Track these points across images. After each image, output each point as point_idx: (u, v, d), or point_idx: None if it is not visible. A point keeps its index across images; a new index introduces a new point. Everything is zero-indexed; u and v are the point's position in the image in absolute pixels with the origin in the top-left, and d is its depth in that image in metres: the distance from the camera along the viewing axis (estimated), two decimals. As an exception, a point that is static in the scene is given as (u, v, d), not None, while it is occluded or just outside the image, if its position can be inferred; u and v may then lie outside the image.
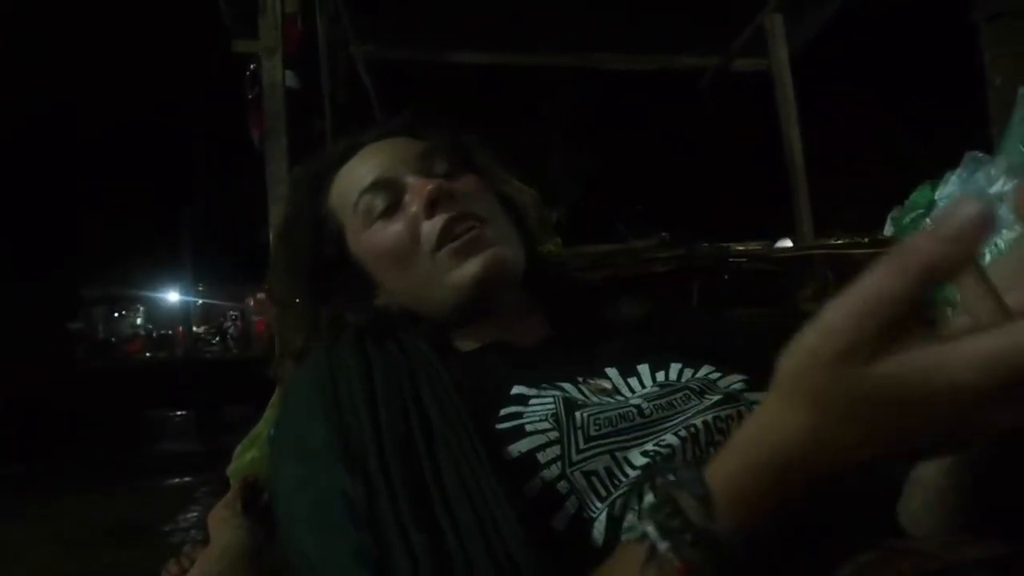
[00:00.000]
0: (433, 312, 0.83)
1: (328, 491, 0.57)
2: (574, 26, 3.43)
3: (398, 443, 0.59)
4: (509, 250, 0.83)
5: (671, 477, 0.44)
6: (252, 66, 2.17)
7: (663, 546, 0.40)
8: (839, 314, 0.36)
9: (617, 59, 3.86)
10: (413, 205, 0.82)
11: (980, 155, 1.62)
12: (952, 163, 1.65)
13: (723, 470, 0.42)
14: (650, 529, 0.41)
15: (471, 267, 0.80)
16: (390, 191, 0.84)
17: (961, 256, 0.33)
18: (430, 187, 0.81)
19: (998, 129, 1.90)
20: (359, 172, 0.87)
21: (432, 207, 0.81)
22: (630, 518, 0.56)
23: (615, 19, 3.43)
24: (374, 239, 0.84)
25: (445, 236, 0.80)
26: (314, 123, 2.11)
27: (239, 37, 2.85)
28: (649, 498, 0.41)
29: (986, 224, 0.32)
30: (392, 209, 0.83)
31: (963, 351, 0.33)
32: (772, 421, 0.41)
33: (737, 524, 0.40)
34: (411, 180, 0.84)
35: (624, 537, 0.46)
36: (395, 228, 0.82)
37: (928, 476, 0.59)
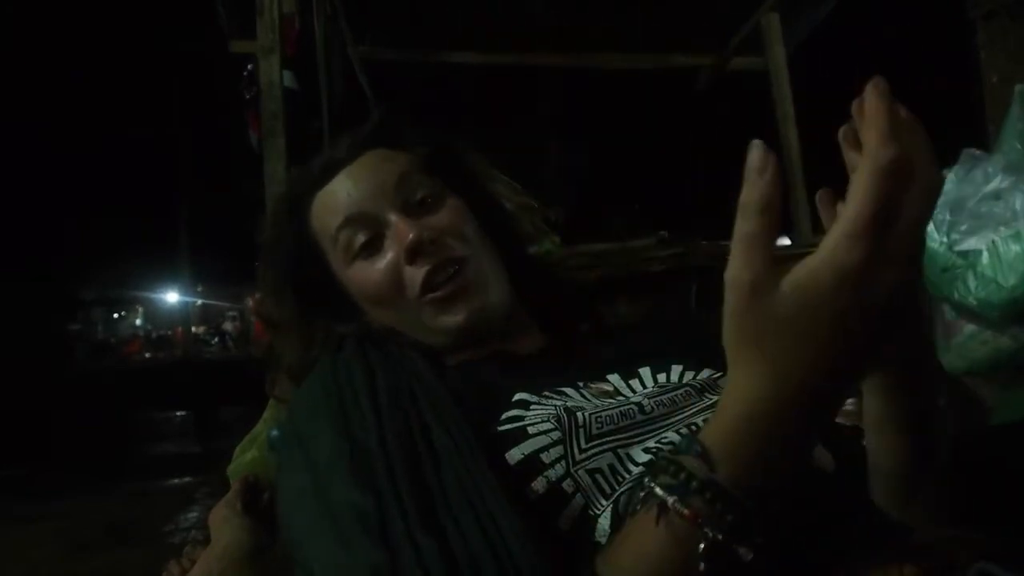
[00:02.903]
0: (421, 343, 0.84)
1: (339, 504, 0.57)
2: (571, 26, 3.43)
3: (402, 451, 0.59)
4: (490, 291, 0.83)
5: (670, 446, 0.54)
6: (249, 66, 2.17)
7: (671, 500, 0.44)
8: (731, 272, 0.43)
9: (613, 58, 3.86)
10: (392, 250, 0.82)
11: (977, 152, 1.63)
12: (949, 160, 1.65)
13: (712, 431, 0.47)
14: (658, 489, 0.45)
15: (455, 318, 0.81)
16: (368, 227, 0.83)
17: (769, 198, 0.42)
18: (411, 235, 0.80)
19: (995, 127, 1.90)
20: (336, 201, 0.85)
21: (413, 255, 0.81)
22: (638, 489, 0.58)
23: (611, 18, 3.43)
24: (356, 278, 0.84)
25: (427, 287, 0.80)
26: (312, 123, 2.11)
27: (236, 37, 2.86)
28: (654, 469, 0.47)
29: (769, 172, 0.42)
30: (372, 245, 0.83)
31: (813, 260, 0.41)
32: (734, 384, 0.46)
33: (736, 475, 0.44)
34: (392, 218, 0.83)
35: (634, 507, 0.49)
36: (377, 269, 0.83)
37: (887, 464, 0.65)
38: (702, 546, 0.43)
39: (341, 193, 0.85)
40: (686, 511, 0.44)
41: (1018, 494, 0.76)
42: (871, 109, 0.41)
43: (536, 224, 1.00)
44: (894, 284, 0.40)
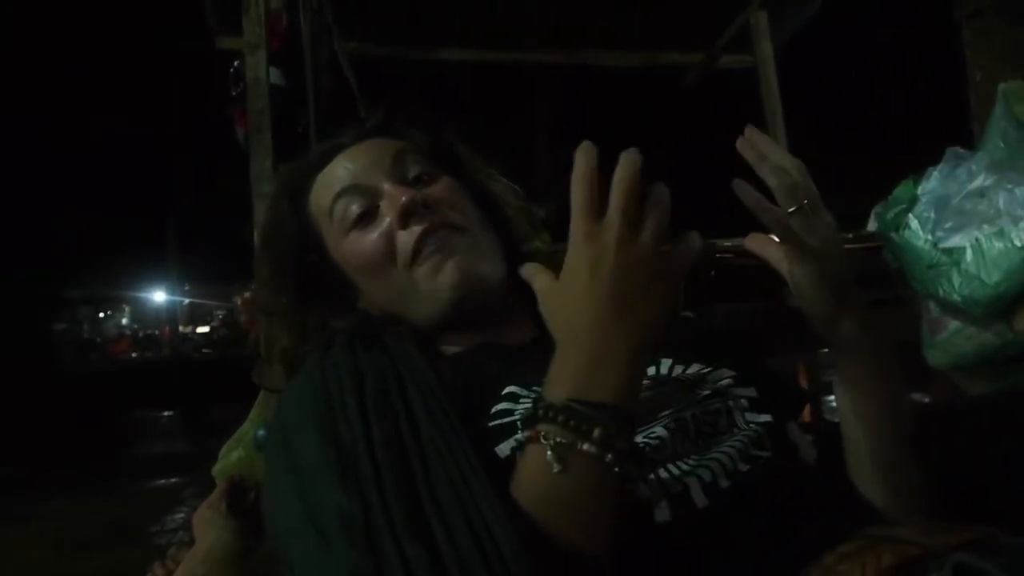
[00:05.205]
0: (415, 321, 0.84)
1: (322, 507, 0.57)
2: (560, 22, 3.43)
3: (390, 453, 0.59)
4: (484, 260, 0.84)
5: (657, 441, 0.65)
6: (236, 63, 2.15)
7: (522, 436, 0.56)
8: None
9: (603, 55, 3.86)
10: (388, 215, 0.82)
11: (961, 151, 1.63)
12: (934, 159, 1.66)
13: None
14: (518, 438, 0.57)
15: (446, 275, 0.81)
16: (364, 196, 0.84)
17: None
18: (404, 198, 0.81)
19: (979, 125, 1.91)
20: (334, 177, 0.86)
21: (406, 218, 0.81)
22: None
23: (601, 16, 3.43)
24: (350, 248, 0.85)
25: (419, 250, 0.81)
26: (299, 120, 2.09)
27: (222, 34, 2.84)
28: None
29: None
30: (367, 216, 0.84)
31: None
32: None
33: (560, 394, 0.55)
34: (386, 187, 0.84)
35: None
36: (371, 238, 0.83)
37: (857, 438, 0.70)
38: (549, 453, 0.53)
39: (339, 170, 0.87)
40: (530, 433, 0.55)
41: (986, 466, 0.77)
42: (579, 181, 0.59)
43: (533, 226, 1.00)
44: (615, 241, 0.57)
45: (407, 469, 0.57)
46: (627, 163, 0.58)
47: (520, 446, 0.56)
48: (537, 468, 0.54)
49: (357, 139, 0.91)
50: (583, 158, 0.59)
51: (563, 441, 0.53)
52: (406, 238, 0.81)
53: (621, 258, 0.56)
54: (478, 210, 0.89)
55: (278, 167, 1.79)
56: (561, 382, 0.57)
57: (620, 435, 0.54)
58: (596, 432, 0.53)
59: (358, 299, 0.89)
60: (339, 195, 0.85)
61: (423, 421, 0.62)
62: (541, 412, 0.55)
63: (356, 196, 0.84)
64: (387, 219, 0.83)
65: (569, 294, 0.58)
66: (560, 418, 0.54)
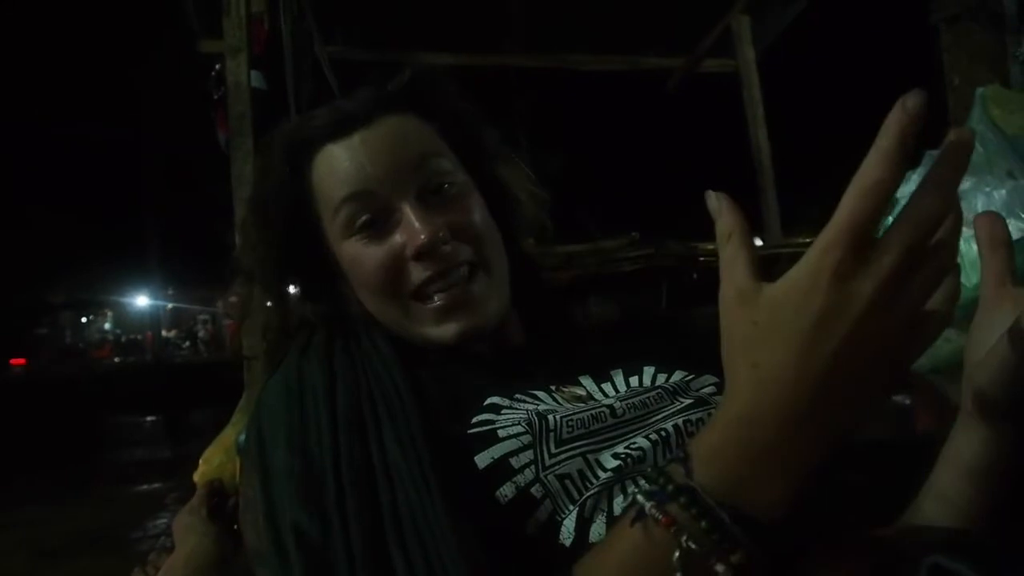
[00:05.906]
0: (403, 337, 0.80)
1: (284, 524, 0.57)
2: (542, 26, 3.43)
3: (356, 475, 0.58)
4: (492, 307, 0.79)
5: (639, 451, 0.57)
6: (217, 66, 2.14)
7: (648, 505, 0.45)
8: (721, 291, 0.46)
9: (586, 59, 3.87)
10: (399, 239, 0.76)
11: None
12: (913, 162, 1.68)
13: (697, 437, 0.47)
14: (639, 495, 0.46)
15: (447, 332, 0.77)
16: (375, 208, 0.77)
17: None
18: (424, 237, 0.74)
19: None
20: (345, 169, 0.78)
21: (420, 257, 0.76)
22: (621, 499, 0.59)
23: (584, 20, 3.44)
24: (350, 255, 0.79)
25: (423, 292, 0.76)
26: (280, 123, 2.09)
27: (205, 37, 2.83)
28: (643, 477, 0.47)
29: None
30: (374, 226, 0.77)
31: (793, 269, 0.42)
32: (725, 392, 0.47)
33: (713, 482, 0.44)
34: (405, 208, 0.76)
35: (603, 511, 0.52)
36: (375, 255, 0.77)
37: (950, 485, 0.57)
38: (676, 555, 0.43)
39: (352, 163, 0.78)
40: (661, 517, 0.44)
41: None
42: (887, 123, 0.39)
43: (540, 215, 0.93)
44: (875, 297, 0.40)
45: (372, 494, 0.57)
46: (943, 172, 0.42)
47: (633, 507, 0.47)
48: (647, 554, 0.46)
49: (375, 110, 0.81)
50: (895, 137, 0.40)
51: (696, 549, 0.43)
52: (416, 271, 0.76)
53: (866, 323, 0.41)
54: (492, 218, 0.83)
55: (273, 132, 1.77)
56: (721, 461, 0.45)
57: (754, 564, 0.43)
58: (736, 556, 0.43)
59: (342, 285, 0.83)
60: (348, 198, 0.77)
61: (390, 445, 0.61)
62: (684, 500, 0.44)
63: (367, 205, 0.77)
64: (397, 239, 0.76)
65: (774, 336, 0.43)
66: (704, 523, 0.43)
